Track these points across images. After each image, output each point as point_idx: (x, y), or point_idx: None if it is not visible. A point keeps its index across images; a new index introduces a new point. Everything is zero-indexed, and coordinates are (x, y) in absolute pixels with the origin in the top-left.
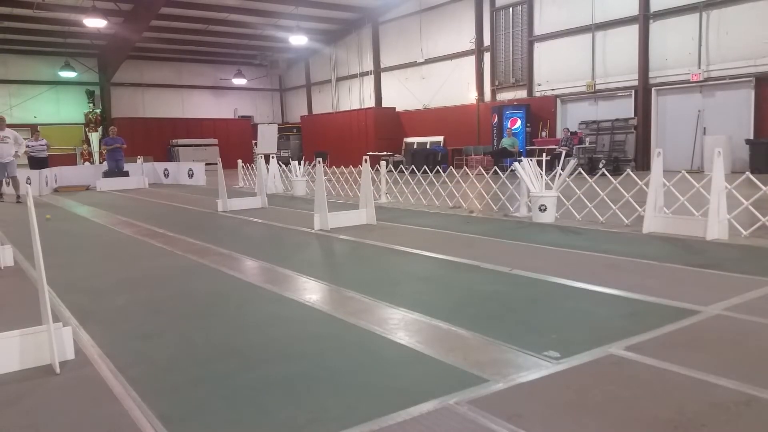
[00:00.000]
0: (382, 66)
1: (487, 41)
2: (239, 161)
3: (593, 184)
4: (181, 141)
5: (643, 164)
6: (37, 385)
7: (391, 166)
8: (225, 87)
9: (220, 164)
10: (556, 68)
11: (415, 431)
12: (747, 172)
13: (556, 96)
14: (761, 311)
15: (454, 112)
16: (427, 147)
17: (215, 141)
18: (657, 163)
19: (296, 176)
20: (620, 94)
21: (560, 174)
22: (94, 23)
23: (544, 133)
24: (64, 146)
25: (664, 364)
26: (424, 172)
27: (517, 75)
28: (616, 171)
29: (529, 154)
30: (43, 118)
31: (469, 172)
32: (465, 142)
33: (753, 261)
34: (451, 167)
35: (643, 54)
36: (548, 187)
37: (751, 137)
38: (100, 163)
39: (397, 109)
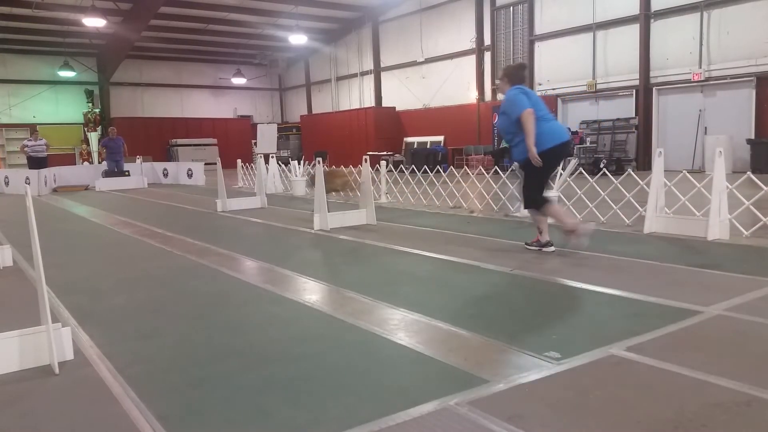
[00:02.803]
0: (382, 65)
1: (487, 40)
2: (239, 161)
3: (594, 184)
4: (180, 141)
5: (644, 164)
6: (36, 386)
7: (391, 165)
8: (224, 86)
9: (219, 164)
10: (557, 67)
11: None
12: (748, 172)
13: (557, 95)
14: (762, 311)
15: (454, 112)
16: (428, 147)
17: (214, 141)
18: (658, 163)
19: (296, 176)
20: (621, 94)
21: (561, 174)
22: (94, 23)
23: None
24: (63, 146)
25: (665, 365)
26: (424, 172)
27: None
28: (618, 171)
29: None
30: (42, 118)
31: (469, 172)
32: (465, 142)
33: (754, 261)
34: (452, 167)
35: (644, 53)
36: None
37: (752, 137)
38: (99, 162)
39: (397, 109)
